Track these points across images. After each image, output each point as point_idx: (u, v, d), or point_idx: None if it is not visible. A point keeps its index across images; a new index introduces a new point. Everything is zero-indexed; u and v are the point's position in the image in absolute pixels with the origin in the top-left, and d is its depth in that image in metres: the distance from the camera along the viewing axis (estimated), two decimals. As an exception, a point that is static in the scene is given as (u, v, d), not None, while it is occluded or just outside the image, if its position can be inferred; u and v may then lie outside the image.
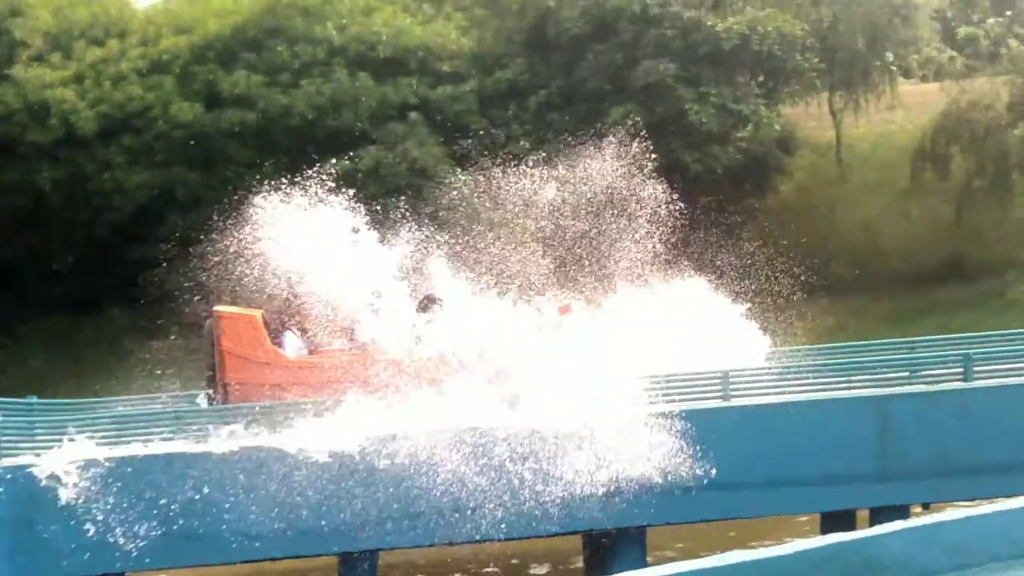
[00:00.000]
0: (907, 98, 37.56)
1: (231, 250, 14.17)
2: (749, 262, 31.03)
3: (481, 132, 30.62)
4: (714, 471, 11.87)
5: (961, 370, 12.97)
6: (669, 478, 11.82)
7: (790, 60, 31.38)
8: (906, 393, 12.73)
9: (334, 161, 28.70)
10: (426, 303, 14.08)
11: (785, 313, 17.98)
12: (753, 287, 17.19)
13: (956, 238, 31.77)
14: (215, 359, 13.48)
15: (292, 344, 13.79)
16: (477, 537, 11.81)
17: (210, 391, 13.78)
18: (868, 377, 13.18)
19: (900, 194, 33.89)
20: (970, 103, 33.52)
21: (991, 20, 38.29)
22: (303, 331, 14.02)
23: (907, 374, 13.22)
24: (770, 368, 13.28)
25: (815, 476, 12.19)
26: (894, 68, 36.49)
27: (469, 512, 11.62)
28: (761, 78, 32.00)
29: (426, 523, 11.65)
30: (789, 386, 12.82)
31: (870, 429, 12.26)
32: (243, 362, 13.21)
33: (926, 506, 12.61)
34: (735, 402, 12.48)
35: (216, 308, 13.87)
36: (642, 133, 29.75)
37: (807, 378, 12.94)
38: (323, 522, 11.54)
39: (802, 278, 21.50)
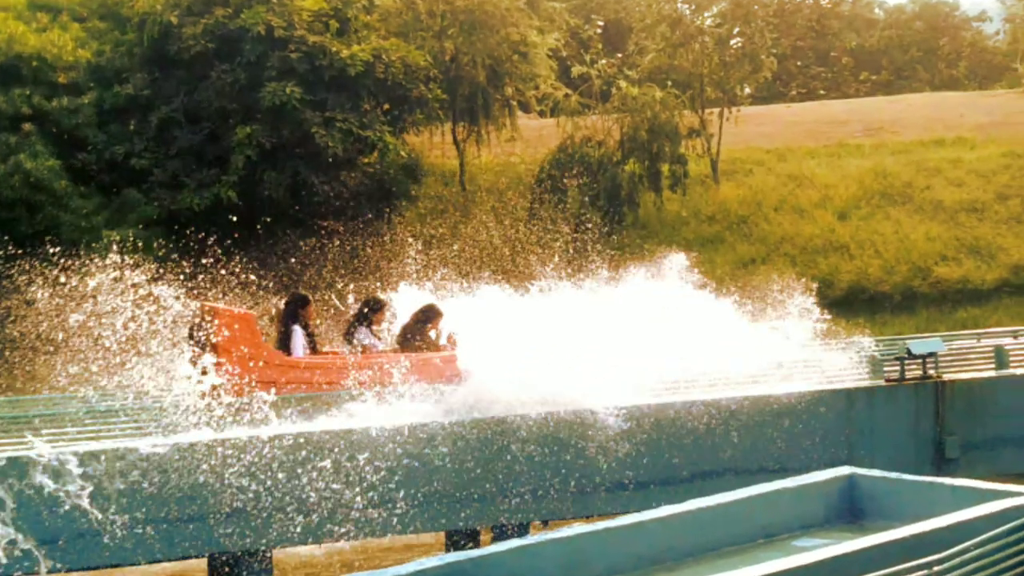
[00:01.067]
0: (526, 132, 38.82)
1: None
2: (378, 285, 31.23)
3: (100, 147, 29.40)
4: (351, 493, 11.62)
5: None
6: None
7: (414, 89, 31.75)
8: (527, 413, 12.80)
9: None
10: (429, 313, 14.33)
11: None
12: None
13: (572, 265, 32.92)
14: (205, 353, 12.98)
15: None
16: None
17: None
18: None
19: (521, 222, 34.87)
20: (584, 138, 34.99)
21: (603, 61, 40.17)
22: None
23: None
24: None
25: (436, 496, 12.12)
26: (514, 102, 37.63)
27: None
28: (387, 106, 32.23)
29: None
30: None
31: (491, 449, 12.30)
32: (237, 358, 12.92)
33: (545, 523, 12.84)
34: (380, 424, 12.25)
35: (210, 304, 13.50)
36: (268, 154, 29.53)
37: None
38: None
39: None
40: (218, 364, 12.84)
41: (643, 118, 34.27)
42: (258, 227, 28.66)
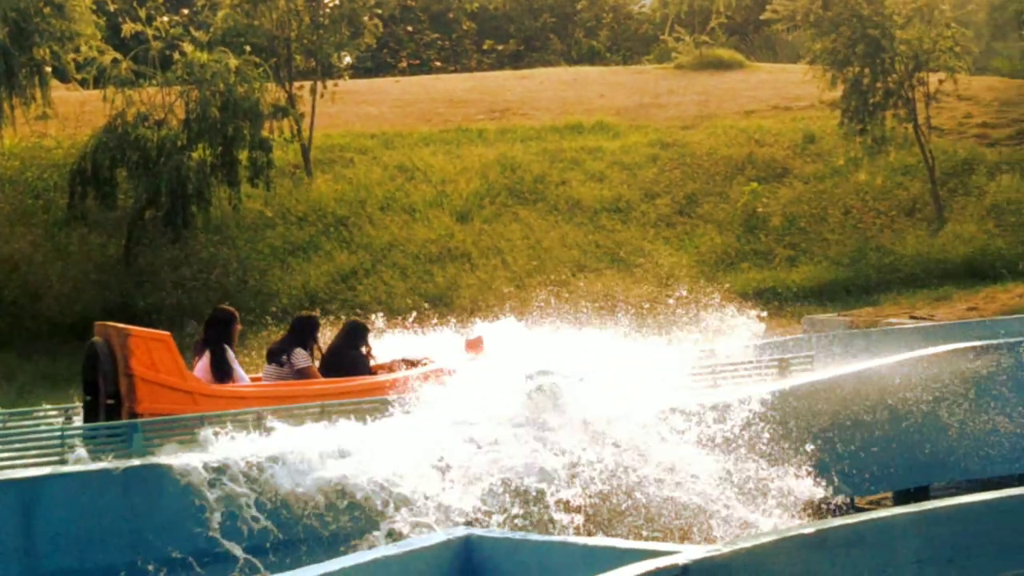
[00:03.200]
0: (64, 106, 37.77)
1: None
2: None
3: None
4: None
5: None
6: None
7: (-89, 49, 30.40)
8: (67, 474, 12.40)
9: None
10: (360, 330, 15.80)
11: None
12: None
13: (126, 281, 32.36)
14: (117, 385, 13.62)
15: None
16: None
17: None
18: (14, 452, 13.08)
19: (58, 225, 33.91)
20: (139, 117, 34.36)
21: (163, 18, 39.56)
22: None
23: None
24: None
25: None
26: (47, 68, 36.50)
27: None
28: None
29: None
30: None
31: (13, 522, 11.89)
32: (158, 390, 13.55)
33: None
34: None
35: (115, 325, 14.31)
36: None
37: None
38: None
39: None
40: (134, 396, 13.53)
41: (214, 91, 34.01)
42: None
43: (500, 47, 63.62)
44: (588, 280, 32.67)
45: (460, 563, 9.17)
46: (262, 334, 30.91)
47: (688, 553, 8.42)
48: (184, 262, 33.34)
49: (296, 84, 37.64)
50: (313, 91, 37.41)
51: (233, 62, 34.44)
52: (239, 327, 15.37)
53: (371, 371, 15.61)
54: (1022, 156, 36.90)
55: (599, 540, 9.30)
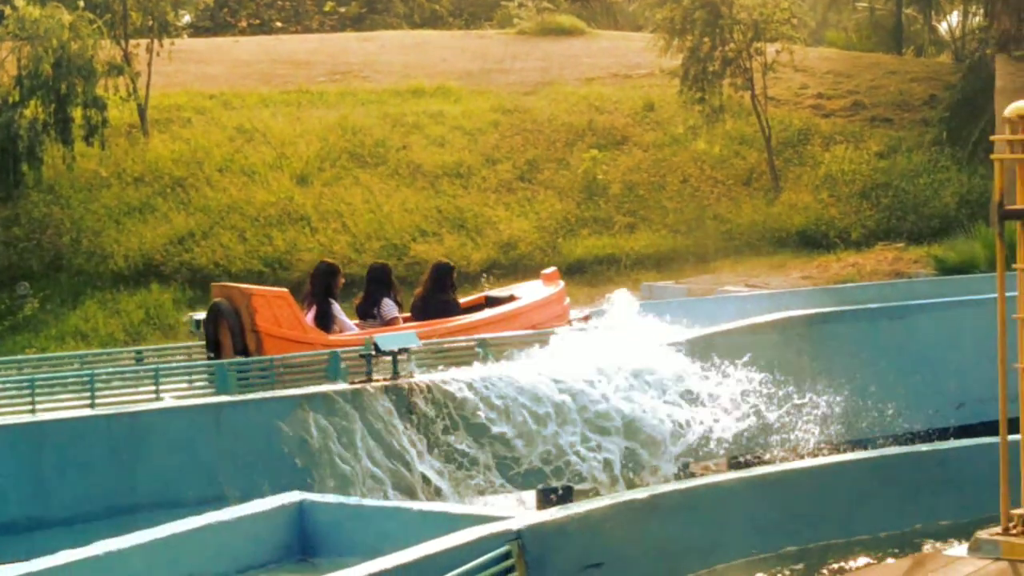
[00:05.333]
0: None
1: None
2: None
3: None
4: None
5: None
6: None
7: None
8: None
9: None
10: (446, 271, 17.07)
11: None
12: None
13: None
14: (245, 342, 14.68)
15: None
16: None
17: None
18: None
19: None
20: (-33, 72, 33.65)
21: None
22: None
23: None
24: None
25: None
26: None
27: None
28: None
29: None
30: None
31: None
32: (283, 343, 14.66)
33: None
34: None
35: (237, 286, 15.71)
36: None
37: None
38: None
39: None
40: (262, 350, 14.55)
41: (47, 48, 33.35)
42: None
43: (342, 9, 63.12)
44: (429, 245, 32.63)
45: (294, 528, 9.12)
46: (97, 296, 30.48)
47: (521, 518, 8.47)
48: (15, 222, 32.74)
49: (132, 42, 36.96)
50: (150, 50, 36.81)
51: (67, 18, 33.76)
52: (342, 280, 16.25)
53: (462, 310, 16.73)
54: (856, 127, 37.58)
55: (434, 505, 9.33)
